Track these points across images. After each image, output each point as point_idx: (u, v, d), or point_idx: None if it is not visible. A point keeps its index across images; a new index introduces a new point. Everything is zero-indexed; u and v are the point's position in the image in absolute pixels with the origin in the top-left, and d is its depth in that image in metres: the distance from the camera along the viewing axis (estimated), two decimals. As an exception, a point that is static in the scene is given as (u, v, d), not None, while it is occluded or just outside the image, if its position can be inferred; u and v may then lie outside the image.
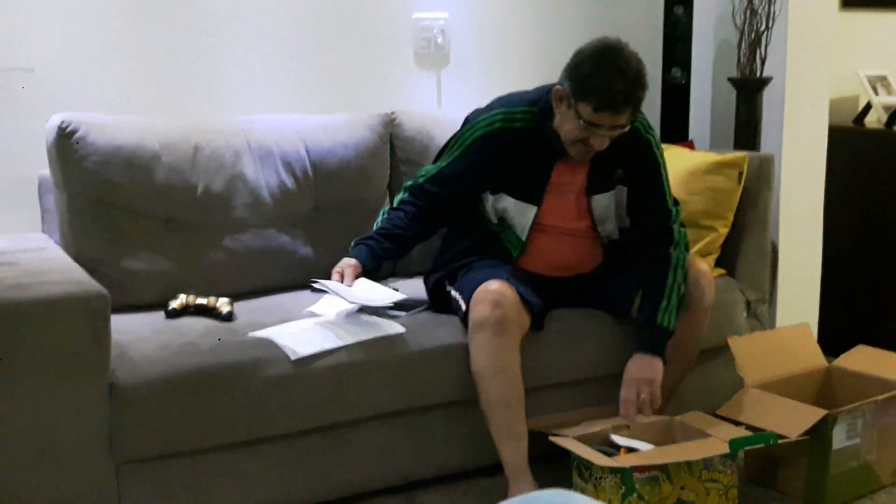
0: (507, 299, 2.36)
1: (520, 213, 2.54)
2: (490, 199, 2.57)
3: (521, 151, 2.49)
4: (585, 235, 2.59)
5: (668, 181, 2.59)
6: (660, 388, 2.45)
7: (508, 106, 2.52)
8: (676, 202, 2.61)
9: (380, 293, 2.48)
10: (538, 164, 2.52)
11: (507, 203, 2.54)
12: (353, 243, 2.57)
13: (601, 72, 2.32)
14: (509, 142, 2.48)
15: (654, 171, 2.57)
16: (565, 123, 2.42)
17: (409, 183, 2.63)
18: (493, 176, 2.53)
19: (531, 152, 2.50)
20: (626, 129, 2.41)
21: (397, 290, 2.72)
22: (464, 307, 2.44)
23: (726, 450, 2.23)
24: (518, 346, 2.39)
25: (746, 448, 2.30)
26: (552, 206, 2.55)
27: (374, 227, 2.61)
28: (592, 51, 2.37)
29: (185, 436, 2.16)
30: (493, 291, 2.36)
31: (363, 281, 2.50)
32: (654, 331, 2.48)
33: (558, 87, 2.41)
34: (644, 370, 2.46)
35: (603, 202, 2.57)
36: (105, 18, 2.78)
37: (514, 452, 2.37)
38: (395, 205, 2.64)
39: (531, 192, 2.52)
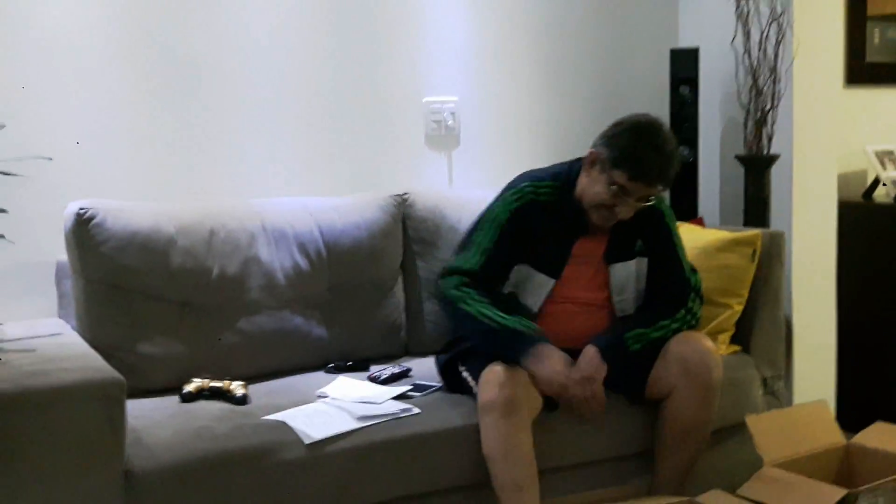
0: (515, 380, 2.35)
1: (537, 285, 2.56)
2: (512, 274, 2.57)
3: (546, 223, 2.54)
4: (601, 307, 2.60)
5: (683, 251, 2.65)
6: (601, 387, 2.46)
7: (534, 180, 2.58)
8: (694, 270, 2.66)
9: (377, 394, 2.50)
10: (561, 237, 2.56)
11: (526, 274, 2.56)
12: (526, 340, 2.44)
13: (640, 145, 2.44)
14: (536, 213, 2.54)
15: (669, 239, 2.63)
16: (594, 186, 2.49)
17: (465, 269, 2.50)
18: (521, 247, 2.55)
19: (555, 225, 2.54)
20: (652, 202, 2.49)
21: (409, 369, 2.73)
22: (475, 389, 2.43)
23: None
24: (529, 427, 2.37)
25: None
26: (571, 277, 2.57)
27: (494, 317, 2.43)
28: (633, 124, 2.49)
29: (200, 522, 2.14)
30: (500, 372, 2.36)
31: (358, 384, 2.55)
32: (617, 339, 2.50)
33: (593, 151, 2.50)
34: (589, 367, 2.45)
35: (622, 272, 2.59)
36: (119, 105, 2.84)
37: None
38: (469, 296, 2.47)
39: (552, 265, 2.55)
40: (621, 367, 2.53)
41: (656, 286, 2.61)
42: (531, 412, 2.39)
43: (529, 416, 2.38)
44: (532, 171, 2.65)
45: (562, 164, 2.64)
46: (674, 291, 2.62)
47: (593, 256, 2.59)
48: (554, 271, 2.55)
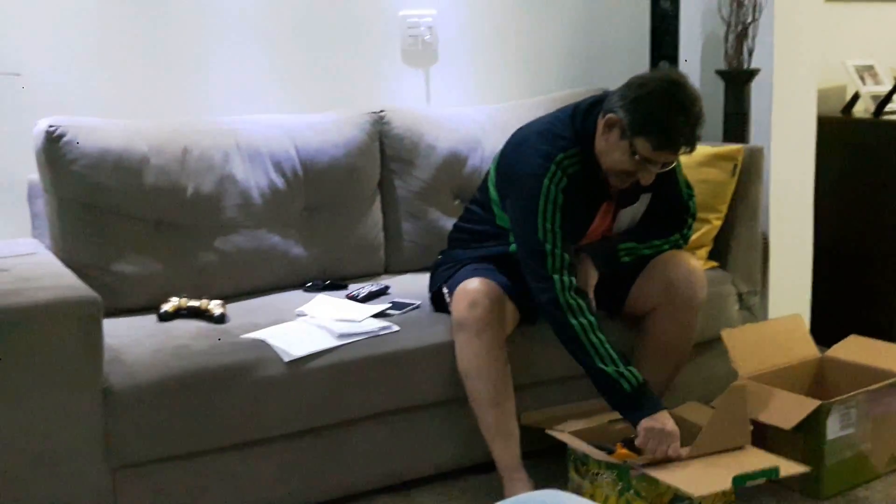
0: (487, 297, 2.34)
1: None
2: None
3: (576, 196, 2.38)
4: (598, 237, 2.58)
5: (682, 174, 2.59)
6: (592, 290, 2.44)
7: (561, 150, 2.37)
8: (690, 188, 2.61)
9: (356, 312, 2.49)
10: (584, 206, 2.44)
11: None
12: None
13: (667, 111, 2.24)
14: (572, 189, 2.37)
15: (673, 175, 2.52)
16: (613, 153, 2.34)
17: (559, 256, 2.32)
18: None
19: (583, 196, 2.41)
20: (675, 165, 2.39)
21: (388, 287, 2.73)
22: (451, 306, 2.44)
23: (728, 486, 2.14)
24: (503, 344, 2.37)
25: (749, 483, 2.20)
26: (587, 236, 2.53)
27: (593, 329, 2.31)
28: (657, 87, 2.28)
29: (179, 439, 2.15)
30: (472, 291, 2.35)
31: (338, 301, 2.54)
32: (611, 250, 2.49)
33: (611, 115, 2.31)
34: (589, 279, 2.45)
35: (627, 215, 2.56)
36: (90, 22, 2.76)
37: (505, 451, 2.37)
38: (577, 300, 2.31)
39: (575, 231, 2.45)
40: (610, 278, 2.53)
41: (657, 210, 2.58)
42: (507, 327, 2.40)
43: (504, 333, 2.39)
44: (547, 134, 2.43)
45: (573, 117, 2.44)
46: (674, 217, 2.59)
47: (607, 214, 2.54)
48: (576, 237, 2.47)
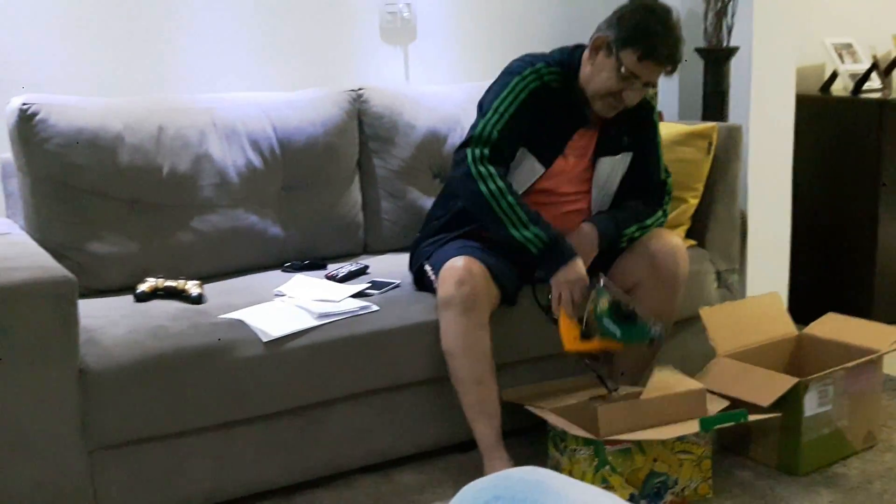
0: (474, 276, 2.35)
1: (527, 170, 2.50)
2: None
3: (550, 110, 2.48)
4: (578, 199, 2.58)
5: (661, 152, 2.65)
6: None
7: (545, 63, 2.50)
8: (668, 173, 2.67)
9: (335, 292, 2.48)
10: (561, 126, 2.51)
11: (520, 157, 2.49)
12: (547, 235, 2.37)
13: (651, 23, 2.39)
14: (545, 97, 2.48)
15: (653, 138, 2.63)
16: (601, 73, 2.43)
17: (487, 137, 2.41)
18: (525, 130, 2.47)
19: (557, 113, 2.49)
20: (656, 88, 2.47)
21: (367, 266, 2.71)
22: (435, 284, 2.43)
23: (696, 429, 2.24)
24: (487, 322, 2.38)
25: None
26: (560, 169, 2.54)
27: (503, 193, 2.36)
28: (640, 5, 2.44)
29: (157, 420, 2.14)
30: (459, 269, 2.35)
31: (317, 282, 2.53)
32: (617, 233, 2.52)
33: (599, 35, 2.44)
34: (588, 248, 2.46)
35: (607, 167, 2.57)
36: (63, -3, 2.73)
37: (486, 429, 2.37)
38: (487, 168, 2.39)
39: (546, 153, 2.50)
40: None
41: (636, 184, 2.60)
42: (489, 307, 2.40)
43: (488, 311, 2.39)
44: (535, 55, 2.56)
45: (562, 49, 2.57)
46: (652, 191, 2.62)
47: (586, 149, 2.56)
48: (547, 160, 2.51)
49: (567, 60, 2.52)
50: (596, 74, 2.45)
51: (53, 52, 2.72)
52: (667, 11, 2.42)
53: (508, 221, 2.36)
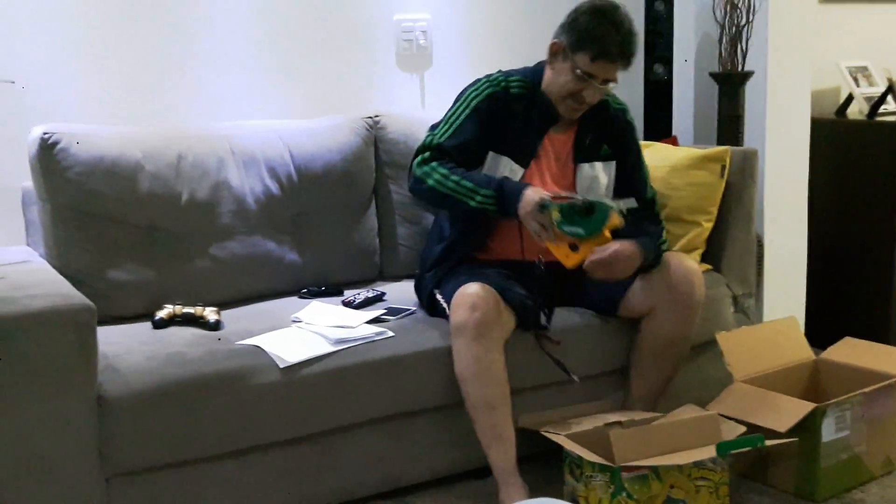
0: (486, 302, 2.35)
1: (509, 171, 2.55)
2: (487, 162, 2.57)
3: (517, 114, 2.57)
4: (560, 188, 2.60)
5: (648, 172, 2.70)
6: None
7: (505, 73, 2.64)
8: (653, 190, 2.71)
9: (351, 318, 2.50)
10: (532, 127, 2.59)
11: (496, 161, 2.56)
12: (490, 187, 2.44)
13: (599, 24, 2.49)
14: (509, 103, 2.57)
15: (637, 152, 2.69)
16: (560, 77, 2.54)
17: (432, 144, 2.53)
18: (494, 135, 2.56)
19: (526, 116, 2.58)
20: (616, 83, 2.54)
21: (384, 294, 2.73)
22: (448, 310, 2.44)
23: (713, 454, 2.23)
24: (500, 347, 2.38)
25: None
26: (539, 170, 2.59)
27: (454, 177, 2.46)
28: (589, 7, 2.53)
29: (174, 447, 2.15)
30: (471, 295, 2.36)
31: (332, 308, 2.55)
32: (655, 247, 2.55)
33: (555, 41, 2.55)
34: (631, 262, 2.47)
35: (589, 172, 2.60)
36: (84, 28, 2.77)
37: (501, 455, 2.37)
38: (429, 165, 2.51)
39: (522, 154, 2.57)
40: (593, 283, 2.53)
41: (634, 206, 2.62)
42: (503, 333, 2.40)
43: (502, 337, 2.39)
44: (500, 71, 2.67)
45: (525, 67, 2.68)
46: (646, 208, 2.65)
47: (561, 152, 2.62)
48: (523, 160, 2.57)
49: (531, 71, 2.64)
50: (556, 78, 2.55)
51: (73, 82, 2.76)
52: (615, 9, 2.52)
53: (463, 197, 2.45)
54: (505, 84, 2.59)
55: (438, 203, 2.55)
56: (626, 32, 2.50)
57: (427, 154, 2.53)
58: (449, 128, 2.56)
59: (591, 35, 2.48)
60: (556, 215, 2.35)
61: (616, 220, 2.34)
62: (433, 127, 2.61)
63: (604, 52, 2.47)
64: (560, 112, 2.58)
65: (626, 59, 2.51)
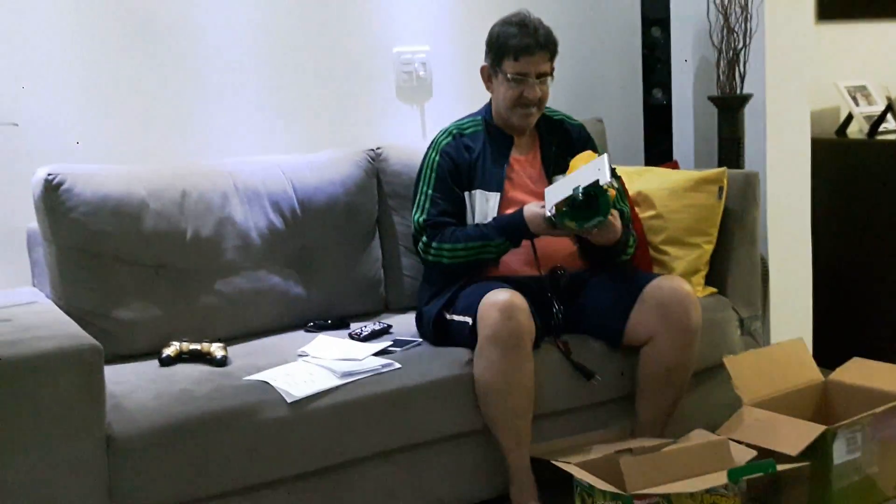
0: (519, 308, 2.35)
1: (487, 201, 2.64)
2: (467, 203, 2.67)
3: (477, 150, 2.70)
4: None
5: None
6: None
7: (456, 122, 2.79)
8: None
9: (358, 351, 2.50)
10: (494, 156, 2.70)
11: (475, 197, 2.66)
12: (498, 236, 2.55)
13: (507, 29, 2.66)
14: (465, 146, 2.70)
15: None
16: (499, 92, 2.69)
17: (422, 223, 2.64)
18: (464, 179, 2.67)
19: (486, 149, 2.70)
20: (552, 76, 2.67)
21: (390, 326, 2.72)
22: (470, 321, 2.43)
23: (724, 480, 2.21)
24: (531, 356, 2.39)
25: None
26: (514, 190, 2.68)
27: (460, 245, 2.58)
28: (496, 24, 2.71)
29: (183, 485, 2.14)
30: (504, 302, 2.35)
31: (338, 342, 2.56)
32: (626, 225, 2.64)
33: (482, 67, 2.73)
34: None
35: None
36: (87, 69, 2.79)
37: (518, 456, 2.43)
38: (437, 238, 2.60)
39: (491, 182, 2.66)
40: (608, 310, 2.55)
41: None
42: (531, 341, 2.41)
43: (531, 345, 2.40)
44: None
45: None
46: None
47: (532, 172, 2.73)
48: (494, 187, 2.66)
49: (482, 109, 2.80)
50: (497, 96, 2.71)
51: (77, 123, 2.78)
52: (517, 13, 2.68)
53: (480, 254, 2.56)
54: (457, 131, 2.73)
55: (465, 270, 2.59)
56: (536, 24, 2.64)
57: (424, 238, 2.62)
58: (425, 200, 2.66)
59: (505, 41, 2.64)
60: (571, 224, 2.40)
61: (612, 192, 2.40)
62: (414, 195, 2.72)
63: (521, 47, 2.61)
64: (515, 124, 2.70)
65: (545, 46, 2.63)
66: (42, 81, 2.73)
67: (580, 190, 2.37)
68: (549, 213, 2.42)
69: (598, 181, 2.36)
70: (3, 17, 2.66)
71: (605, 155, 2.48)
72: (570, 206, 2.39)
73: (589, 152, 2.65)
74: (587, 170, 2.44)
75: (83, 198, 2.51)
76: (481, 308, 2.39)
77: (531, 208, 2.50)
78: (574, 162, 2.61)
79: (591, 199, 2.38)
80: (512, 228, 2.52)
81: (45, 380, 1.99)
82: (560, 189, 2.45)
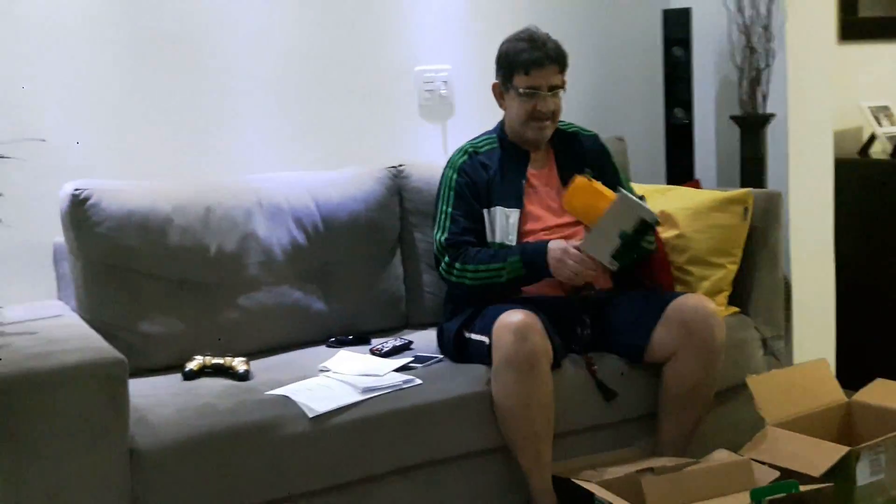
0: (533, 330, 2.35)
1: (507, 218, 2.64)
2: (486, 220, 2.67)
3: (494, 167, 2.71)
4: (571, 225, 2.66)
5: (632, 189, 2.77)
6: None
7: (471, 140, 2.80)
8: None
9: (379, 366, 2.51)
10: (512, 173, 2.71)
11: (495, 214, 2.66)
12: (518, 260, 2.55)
13: (516, 45, 2.68)
14: (482, 163, 2.71)
15: (617, 175, 2.79)
16: (512, 108, 2.71)
17: (444, 242, 2.64)
18: (483, 196, 2.68)
19: (502, 166, 2.71)
20: (564, 88, 2.69)
21: (411, 342, 2.73)
22: (487, 341, 2.44)
23: (747, 501, 2.19)
24: (550, 377, 2.39)
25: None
26: (533, 206, 2.68)
27: (477, 270, 2.59)
28: (504, 42, 2.73)
29: (205, 499, 2.15)
30: (517, 324, 2.35)
31: (361, 358, 2.57)
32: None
33: (494, 84, 2.75)
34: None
35: None
36: (112, 86, 2.82)
37: (540, 478, 2.42)
38: (459, 258, 2.61)
39: (510, 199, 2.67)
40: (629, 326, 2.55)
41: None
42: (550, 360, 2.41)
43: (548, 366, 2.39)
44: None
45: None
46: None
47: (549, 182, 2.73)
48: (513, 203, 2.66)
49: (496, 126, 2.81)
50: (511, 112, 2.72)
51: (103, 138, 2.81)
52: (525, 29, 2.70)
53: (500, 277, 2.55)
54: (472, 149, 2.75)
55: (478, 293, 2.59)
56: (544, 38, 2.66)
57: (447, 258, 2.63)
58: (446, 218, 2.67)
59: (515, 56, 2.65)
60: (618, 264, 2.47)
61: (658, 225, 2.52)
62: (434, 216, 2.73)
63: (531, 61, 2.62)
64: (530, 138, 2.70)
65: (554, 59, 2.64)
66: (69, 98, 2.77)
67: (629, 232, 2.43)
68: (611, 268, 2.46)
69: (644, 219, 2.43)
70: (31, 35, 2.70)
71: (630, 194, 2.52)
72: (622, 252, 2.45)
73: (584, 178, 2.57)
74: (620, 212, 2.45)
75: (109, 213, 2.54)
76: (495, 330, 2.39)
77: (556, 242, 2.52)
78: (573, 191, 2.58)
79: (637, 236, 2.46)
80: (531, 250, 2.55)
81: (71, 392, 2.01)
82: (599, 238, 2.46)
